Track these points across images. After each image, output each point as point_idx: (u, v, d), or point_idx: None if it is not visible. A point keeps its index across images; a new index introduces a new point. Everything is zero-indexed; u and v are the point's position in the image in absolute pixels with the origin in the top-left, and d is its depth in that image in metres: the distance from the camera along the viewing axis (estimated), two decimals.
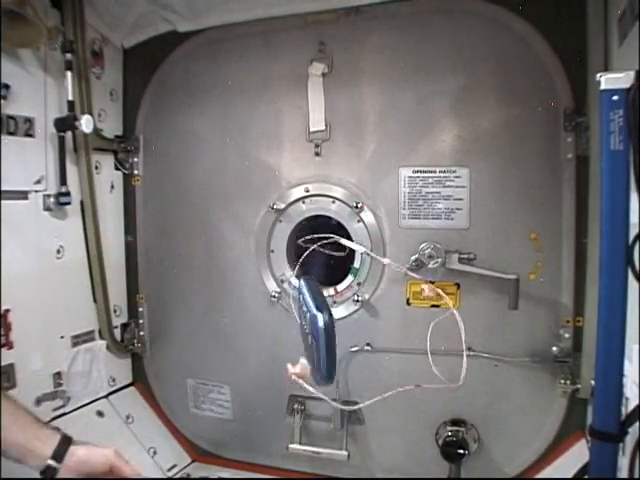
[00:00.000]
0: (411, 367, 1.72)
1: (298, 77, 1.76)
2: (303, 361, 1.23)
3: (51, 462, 1.06)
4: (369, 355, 1.76)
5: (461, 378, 1.22)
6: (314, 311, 1.10)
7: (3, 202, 1.55)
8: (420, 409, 1.73)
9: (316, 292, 1.19)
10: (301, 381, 1.21)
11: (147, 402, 2.09)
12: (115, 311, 2.01)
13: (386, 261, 1.54)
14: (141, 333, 2.08)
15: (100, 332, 1.95)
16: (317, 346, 1.09)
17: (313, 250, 1.66)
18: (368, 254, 1.62)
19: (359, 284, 1.76)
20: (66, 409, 1.79)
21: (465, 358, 1.25)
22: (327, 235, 1.60)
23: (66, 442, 1.10)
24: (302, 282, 1.24)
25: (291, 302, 1.32)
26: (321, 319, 1.08)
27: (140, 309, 2.08)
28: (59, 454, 1.07)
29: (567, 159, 1.54)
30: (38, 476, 1.06)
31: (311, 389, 1.20)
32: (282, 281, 1.85)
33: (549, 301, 1.58)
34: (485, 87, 1.59)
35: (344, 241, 1.57)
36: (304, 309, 1.17)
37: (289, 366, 1.24)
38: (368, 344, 1.76)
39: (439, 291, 1.48)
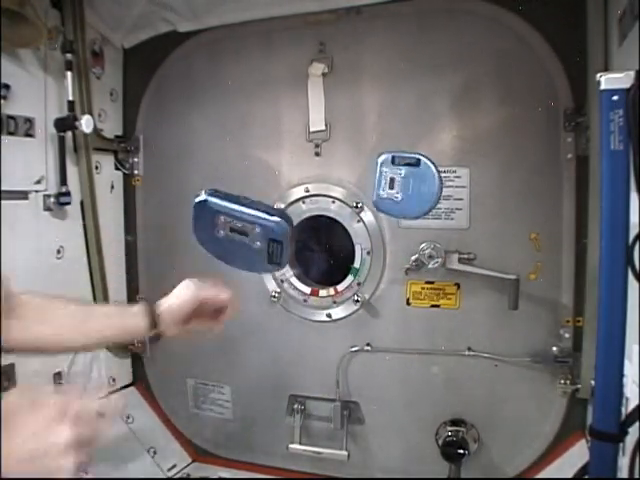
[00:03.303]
0: (411, 367, 1.72)
1: (298, 77, 1.75)
2: None
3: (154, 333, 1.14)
4: (369, 355, 1.76)
5: None
6: (273, 220, 1.03)
7: (3, 202, 1.55)
8: (420, 409, 1.73)
9: (244, 201, 1.08)
10: None
11: (147, 402, 2.09)
12: None
13: None
14: None
15: None
16: (279, 245, 1.04)
17: (313, 250, 1.66)
18: None
19: (359, 284, 1.76)
20: None
21: None
22: None
23: (152, 310, 1.13)
24: (211, 197, 1.08)
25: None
26: (284, 226, 1.04)
27: None
28: (152, 320, 1.12)
29: (567, 159, 1.54)
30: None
31: None
32: (282, 281, 1.84)
33: (549, 301, 1.58)
34: (485, 87, 1.59)
35: None
36: (243, 220, 1.07)
37: None
38: (368, 344, 1.75)
39: None
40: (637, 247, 0.97)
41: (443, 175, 1.62)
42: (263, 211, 1.07)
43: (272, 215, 1.06)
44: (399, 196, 1.20)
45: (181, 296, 1.16)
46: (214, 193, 1.08)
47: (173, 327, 1.14)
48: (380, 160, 1.20)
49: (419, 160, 1.18)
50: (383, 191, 1.22)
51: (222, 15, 1.79)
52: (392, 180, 1.21)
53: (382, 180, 1.21)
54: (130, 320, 1.12)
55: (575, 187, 1.53)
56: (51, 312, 1.08)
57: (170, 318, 1.13)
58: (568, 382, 1.57)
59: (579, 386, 1.55)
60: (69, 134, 1.77)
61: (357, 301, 1.75)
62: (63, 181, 1.74)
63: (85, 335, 1.10)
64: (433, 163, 1.17)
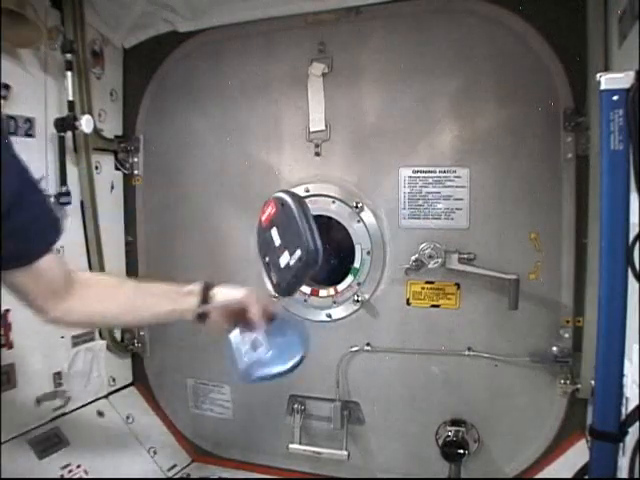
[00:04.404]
0: (411, 367, 1.72)
1: (298, 77, 1.76)
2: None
3: (201, 310, 1.18)
4: (369, 355, 1.76)
5: None
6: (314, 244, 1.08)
7: None
8: (420, 409, 1.73)
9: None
10: None
11: (147, 402, 2.09)
12: None
13: None
14: (141, 333, 2.07)
15: (100, 332, 1.95)
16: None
17: None
18: None
19: (359, 284, 1.76)
20: (66, 409, 1.79)
21: None
22: None
23: (207, 290, 1.20)
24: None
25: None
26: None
27: None
28: (205, 301, 1.18)
29: (567, 159, 1.54)
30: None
31: None
32: None
33: (549, 301, 1.58)
34: (485, 87, 1.59)
35: None
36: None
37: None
38: (368, 344, 1.76)
39: None
40: (637, 247, 0.97)
41: (443, 175, 1.64)
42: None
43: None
44: (268, 354, 1.11)
45: (238, 292, 1.19)
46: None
47: (219, 319, 1.17)
48: (232, 335, 1.16)
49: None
50: (246, 358, 1.12)
51: (222, 15, 1.79)
52: (255, 341, 1.13)
53: (242, 349, 1.13)
54: (183, 301, 1.17)
55: (575, 187, 1.53)
56: (109, 291, 1.14)
57: (219, 309, 1.17)
58: (568, 382, 1.57)
59: (579, 386, 1.55)
60: (69, 134, 1.76)
61: (357, 301, 1.75)
62: (63, 181, 1.74)
63: (140, 314, 1.16)
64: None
